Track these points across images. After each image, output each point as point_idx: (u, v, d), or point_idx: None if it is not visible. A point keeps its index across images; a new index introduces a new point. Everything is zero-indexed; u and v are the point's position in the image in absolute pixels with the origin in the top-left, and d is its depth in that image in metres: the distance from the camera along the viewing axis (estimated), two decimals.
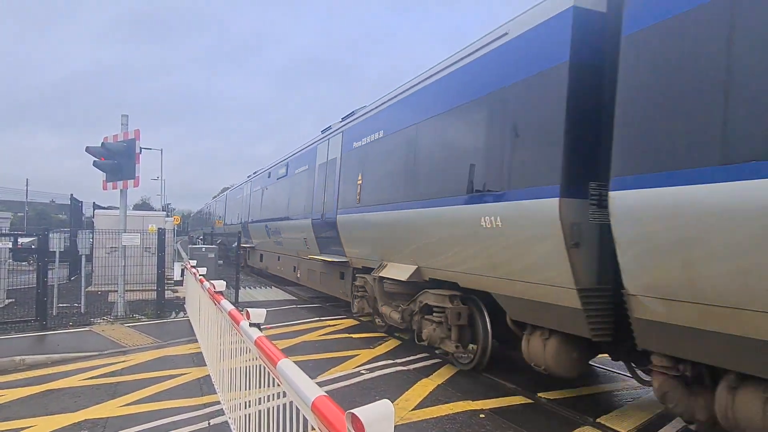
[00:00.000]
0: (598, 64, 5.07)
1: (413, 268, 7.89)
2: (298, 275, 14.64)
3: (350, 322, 10.74)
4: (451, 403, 5.91)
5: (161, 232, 11.56)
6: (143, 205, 70.76)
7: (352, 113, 11.10)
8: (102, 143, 10.67)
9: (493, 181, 5.99)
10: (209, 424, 5.29)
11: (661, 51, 4.16)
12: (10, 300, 12.37)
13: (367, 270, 9.68)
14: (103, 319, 10.60)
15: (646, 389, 6.18)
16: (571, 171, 4.95)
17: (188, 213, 77.76)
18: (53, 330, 9.59)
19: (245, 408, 4.16)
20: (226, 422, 5.03)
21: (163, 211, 37.31)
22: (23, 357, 7.64)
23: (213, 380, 6.31)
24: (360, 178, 9.79)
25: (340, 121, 11.78)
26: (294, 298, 15.17)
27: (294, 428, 2.75)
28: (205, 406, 5.76)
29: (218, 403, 5.66)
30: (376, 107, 9.65)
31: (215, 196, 42.95)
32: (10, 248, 11.93)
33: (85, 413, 5.59)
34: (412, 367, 7.42)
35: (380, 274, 8.86)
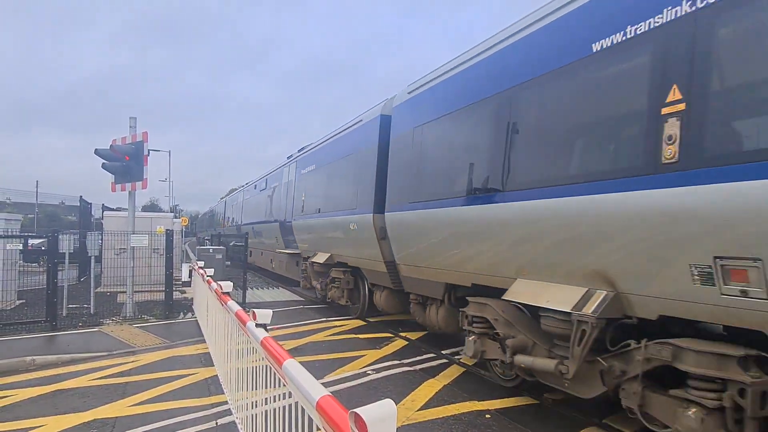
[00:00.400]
0: (387, 148, 8.93)
1: (328, 255, 11.64)
2: (273, 265, 18.54)
3: (357, 323, 10.77)
4: (458, 404, 5.93)
5: (169, 234, 11.64)
6: (152, 207, 71.21)
7: (303, 148, 15.24)
8: (111, 145, 10.78)
9: (353, 203, 10.10)
10: (217, 424, 5.34)
11: (399, 148, 8.45)
12: (21, 301, 12.51)
13: (308, 258, 13.26)
14: (113, 320, 10.70)
15: None
16: (376, 201, 9.05)
17: (196, 214, 78.13)
18: (63, 330, 9.68)
19: (252, 408, 4.20)
20: (234, 422, 5.07)
21: (171, 212, 37.53)
22: (33, 357, 7.73)
23: (221, 380, 6.36)
24: (303, 195, 13.91)
25: (297, 152, 15.74)
26: (301, 298, 15.22)
27: (300, 428, 2.79)
28: (213, 406, 5.81)
29: (226, 403, 5.71)
30: (311, 149, 13.98)
31: (222, 198, 43.20)
32: (20, 250, 12.05)
33: (94, 413, 5.65)
34: (418, 367, 7.44)
35: (312, 260, 12.50)
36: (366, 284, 10.65)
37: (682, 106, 3.96)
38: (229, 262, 14.33)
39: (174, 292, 12.04)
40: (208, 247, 14.77)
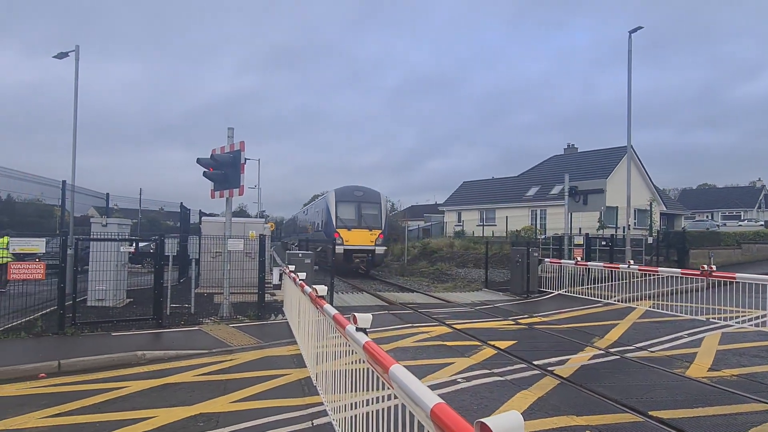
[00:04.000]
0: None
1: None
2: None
3: (443, 329, 10.68)
4: (554, 417, 5.69)
5: (262, 238, 12.16)
6: (240, 213, 74.83)
7: (315, 196, 32.57)
8: (211, 155, 11.45)
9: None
10: (312, 424, 5.47)
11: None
12: (130, 299, 13.53)
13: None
14: (211, 320, 11.31)
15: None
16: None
17: (281, 220, 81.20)
18: (168, 328, 10.36)
19: (350, 410, 4.26)
20: (330, 423, 5.17)
21: (261, 218, 39.43)
22: (144, 352, 8.32)
23: (314, 382, 6.52)
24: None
25: (321, 194, 26.87)
26: (386, 303, 15.36)
27: None
28: (308, 406, 5.96)
29: (320, 404, 5.83)
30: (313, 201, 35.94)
31: (305, 204, 44.84)
32: (131, 252, 13.05)
33: (199, 407, 5.99)
34: (509, 377, 7.23)
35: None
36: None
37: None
38: (316, 267, 14.74)
39: (265, 295, 12.55)
40: (297, 252, 15.28)
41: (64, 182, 13.65)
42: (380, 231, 24.81)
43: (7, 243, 9.62)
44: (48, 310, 11.03)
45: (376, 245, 24.45)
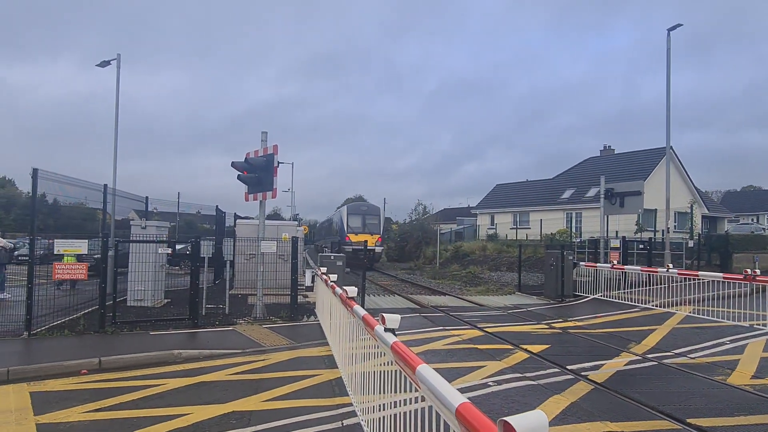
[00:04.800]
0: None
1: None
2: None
3: (475, 332, 10.59)
4: (588, 423, 5.58)
5: (294, 241, 12.32)
6: (274, 216, 75.95)
7: (338, 207, 40.84)
8: (245, 158, 11.68)
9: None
10: (342, 424, 5.51)
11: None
12: (167, 300, 13.91)
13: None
14: (244, 320, 11.51)
15: None
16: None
17: (314, 223, 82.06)
18: (203, 328, 10.59)
19: (379, 411, 4.28)
20: (359, 424, 5.20)
21: (294, 221, 40.13)
22: (180, 351, 8.54)
23: (345, 382, 6.57)
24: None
25: (338, 208, 39.43)
26: (417, 306, 15.34)
27: None
28: (338, 406, 6.01)
29: (350, 404, 5.87)
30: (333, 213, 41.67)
31: (338, 207, 45.27)
32: (169, 254, 13.41)
33: (232, 405, 6.11)
34: (542, 381, 7.13)
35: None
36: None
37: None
38: (348, 269, 14.84)
39: (297, 296, 12.70)
40: (329, 254, 15.44)
41: (105, 186, 14.13)
42: (379, 235, 33.56)
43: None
44: (89, 309, 11.43)
45: (375, 246, 32.37)
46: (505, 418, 1.66)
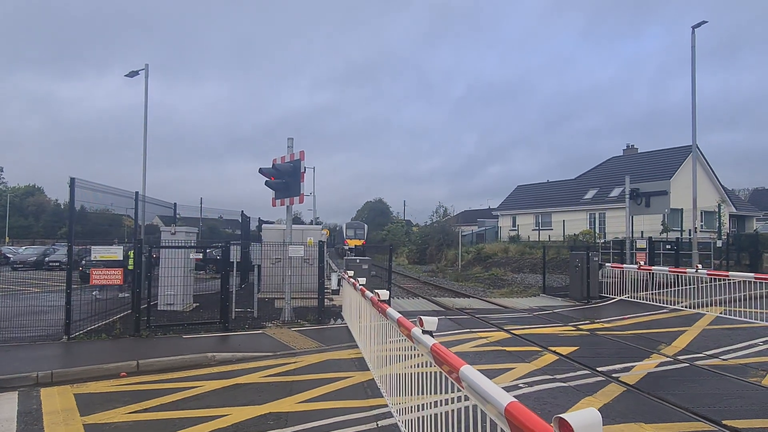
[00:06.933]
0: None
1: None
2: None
3: (502, 335, 10.61)
4: (621, 424, 5.59)
5: (320, 245, 12.48)
6: (295, 220, 76.53)
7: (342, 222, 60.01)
8: (273, 164, 11.89)
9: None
10: (377, 425, 5.60)
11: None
12: (196, 304, 14.18)
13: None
14: (273, 323, 11.70)
15: None
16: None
17: (334, 226, 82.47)
18: (233, 331, 10.80)
19: (417, 411, 4.37)
20: (395, 425, 5.30)
21: (317, 225, 40.39)
22: (213, 354, 8.74)
23: (377, 384, 6.67)
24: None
25: (346, 222, 60.58)
26: (442, 308, 15.38)
27: None
28: (372, 408, 6.11)
29: (384, 406, 5.97)
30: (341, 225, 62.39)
31: (359, 210, 45.78)
32: (197, 259, 13.68)
33: (268, 407, 6.25)
34: (572, 384, 7.14)
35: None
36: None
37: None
38: (374, 272, 14.97)
39: (324, 299, 12.85)
40: (355, 257, 15.58)
41: (137, 193, 14.47)
42: (363, 240, 53.38)
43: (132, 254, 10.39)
44: (123, 314, 11.73)
45: (362, 246, 49.13)
46: (560, 415, 1.74)
